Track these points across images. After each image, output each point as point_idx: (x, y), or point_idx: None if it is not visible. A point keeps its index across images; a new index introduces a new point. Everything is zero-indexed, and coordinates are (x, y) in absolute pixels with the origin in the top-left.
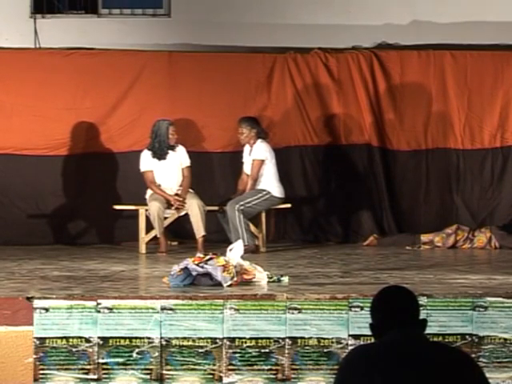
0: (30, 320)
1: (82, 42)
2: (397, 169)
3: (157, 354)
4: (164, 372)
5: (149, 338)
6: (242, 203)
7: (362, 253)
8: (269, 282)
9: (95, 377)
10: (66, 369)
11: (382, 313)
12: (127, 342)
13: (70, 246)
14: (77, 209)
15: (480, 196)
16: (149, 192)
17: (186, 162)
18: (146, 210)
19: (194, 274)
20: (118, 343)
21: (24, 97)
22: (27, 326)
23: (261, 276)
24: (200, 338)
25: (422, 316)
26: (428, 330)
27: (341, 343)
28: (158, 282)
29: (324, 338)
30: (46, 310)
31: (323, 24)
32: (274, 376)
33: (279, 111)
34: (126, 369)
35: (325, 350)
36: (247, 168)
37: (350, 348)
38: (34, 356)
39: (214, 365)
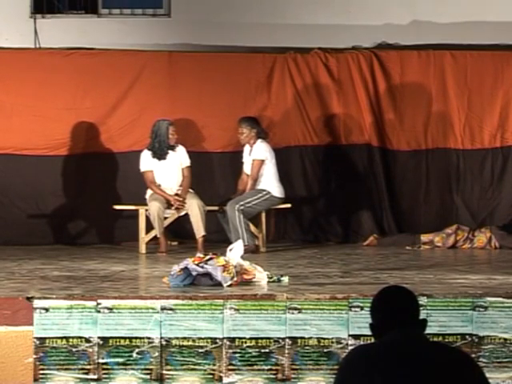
0: (30, 320)
1: (82, 41)
2: (397, 169)
3: (157, 354)
4: (164, 372)
5: (149, 338)
6: (242, 203)
7: (361, 253)
8: (269, 281)
9: (95, 377)
10: (66, 369)
11: (381, 313)
12: (127, 342)
13: (70, 246)
14: (77, 209)
15: (480, 196)
16: (149, 192)
17: (186, 161)
18: (146, 210)
19: (194, 273)
20: (118, 343)
21: (24, 97)
22: (27, 325)
23: (261, 276)
24: (200, 338)
25: (422, 316)
26: (428, 330)
27: (341, 343)
28: (158, 282)
29: (324, 338)
30: (46, 309)
31: (323, 24)
32: (274, 376)
33: (279, 111)
34: (126, 369)
35: (325, 350)
36: (247, 168)
37: (350, 348)
38: (34, 356)
39: (214, 365)
